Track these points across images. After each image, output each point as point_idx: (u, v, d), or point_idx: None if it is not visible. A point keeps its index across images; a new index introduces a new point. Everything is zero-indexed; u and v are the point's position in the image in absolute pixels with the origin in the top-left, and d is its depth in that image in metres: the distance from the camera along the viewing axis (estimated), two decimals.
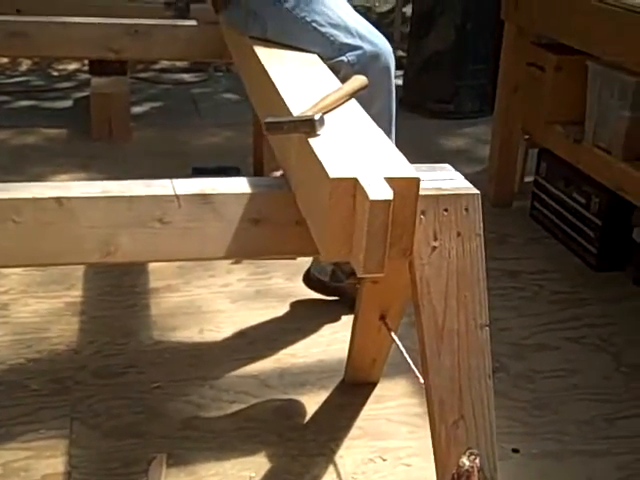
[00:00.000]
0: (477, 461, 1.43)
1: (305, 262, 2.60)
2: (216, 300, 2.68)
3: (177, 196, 1.52)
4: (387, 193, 1.17)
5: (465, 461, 1.43)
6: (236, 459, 1.98)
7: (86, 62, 4.75)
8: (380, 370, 2.22)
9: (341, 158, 1.31)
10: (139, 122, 4.35)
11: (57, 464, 1.95)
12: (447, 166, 1.56)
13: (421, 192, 1.31)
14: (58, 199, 1.49)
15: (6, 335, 2.46)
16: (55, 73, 5.33)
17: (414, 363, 1.78)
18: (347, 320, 2.42)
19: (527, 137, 3.47)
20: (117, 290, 2.72)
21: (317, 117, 1.42)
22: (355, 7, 2.50)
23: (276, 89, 1.75)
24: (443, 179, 1.49)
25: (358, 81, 1.71)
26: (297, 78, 1.88)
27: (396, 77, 2.44)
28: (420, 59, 4.75)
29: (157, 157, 3.85)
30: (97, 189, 1.53)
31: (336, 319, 2.56)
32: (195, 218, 1.53)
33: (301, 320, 2.57)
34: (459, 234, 1.40)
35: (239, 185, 1.57)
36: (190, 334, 2.49)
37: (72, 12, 3.72)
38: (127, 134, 4.13)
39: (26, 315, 2.58)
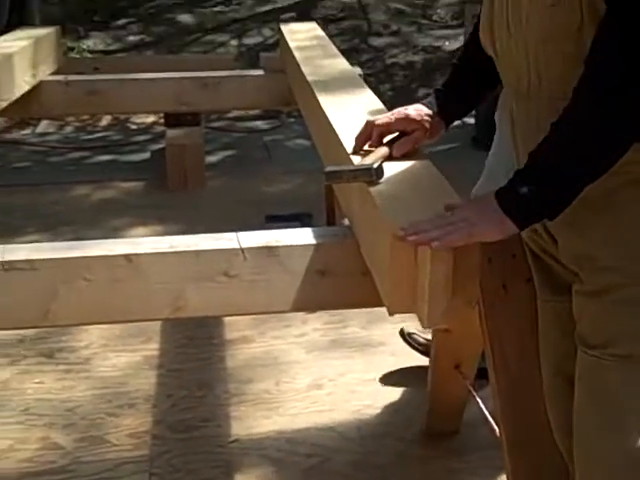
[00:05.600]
0: None
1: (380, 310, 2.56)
2: (292, 351, 2.67)
3: (242, 249, 1.52)
4: None
5: None
6: None
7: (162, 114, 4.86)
8: (459, 419, 2.16)
9: (401, 208, 1.28)
10: (213, 171, 4.41)
11: None
12: None
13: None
14: (127, 256, 1.50)
15: (87, 390, 2.49)
16: (134, 126, 5.47)
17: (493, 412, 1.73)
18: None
19: None
20: (193, 342, 2.74)
21: (376, 166, 1.39)
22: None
23: (337, 136, 1.73)
24: None
25: None
26: (359, 125, 1.85)
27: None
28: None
29: (231, 206, 3.89)
30: (165, 244, 1.53)
31: (414, 368, 2.51)
32: (261, 271, 1.52)
33: (379, 370, 2.53)
34: (529, 280, 1.35)
35: (304, 236, 1.55)
36: (266, 386, 2.48)
37: (146, 68, 3.84)
38: (202, 184, 4.20)
39: (106, 369, 2.61)
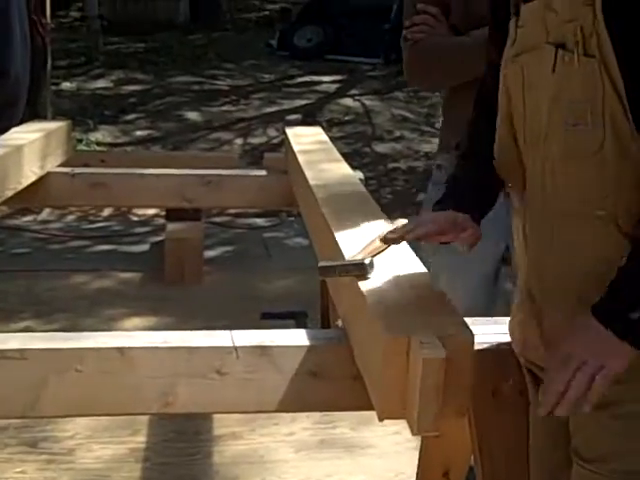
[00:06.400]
0: None
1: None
2: (279, 449, 2.64)
3: (236, 347, 1.53)
4: (439, 352, 1.14)
5: None
6: None
7: None
8: None
9: (393, 312, 1.29)
10: (211, 265, 4.44)
11: None
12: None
13: (480, 347, 1.28)
14: (120, 349, 1.50)
15: None
16: (135, 218, 5.53)
17: None
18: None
19: None
20: (181, 437, 2.71)
21: (367, 261, 1.43)
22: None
23: (334, 237, 1.76)
24: (504, 332, 1.46)
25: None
26: (355, 227, 1.87)
27: None
28: None
29: (227, 301, 3.91)
30: (158, 339, 1.54)
31: (404, 472, 2.48)
32: (253, 370, 1.52)
33: (366, 472, 2.50)
34: (522, 393, 1.36)
35: (297, 337, 1.56)
36: None
37: (152, 163, 3.91)
38: (199, 278, 4.22)
39: (90, 461, 2.57)
